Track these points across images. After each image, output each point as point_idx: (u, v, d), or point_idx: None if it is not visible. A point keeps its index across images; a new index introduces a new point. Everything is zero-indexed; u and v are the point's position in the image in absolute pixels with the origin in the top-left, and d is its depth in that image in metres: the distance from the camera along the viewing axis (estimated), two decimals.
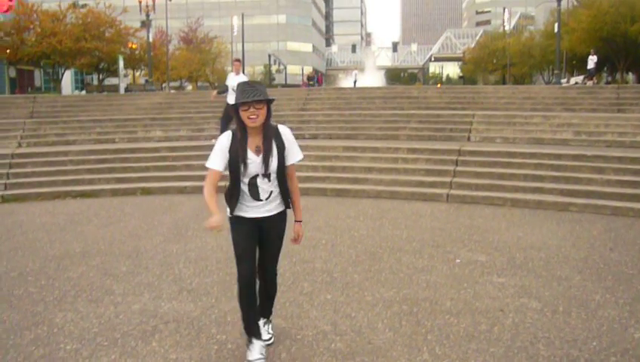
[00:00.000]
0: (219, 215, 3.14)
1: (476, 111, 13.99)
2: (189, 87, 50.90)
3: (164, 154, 11.69)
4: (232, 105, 3.24)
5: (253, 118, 3.17)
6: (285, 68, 65.00)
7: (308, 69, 77.20)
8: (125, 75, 39.76)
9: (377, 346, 3.73)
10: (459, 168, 9.99)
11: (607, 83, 32.07)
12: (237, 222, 3.38)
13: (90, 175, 10.63)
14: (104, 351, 3.69)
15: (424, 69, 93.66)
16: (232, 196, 3.33)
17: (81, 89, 48.64)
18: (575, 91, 17.65)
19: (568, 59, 37.97)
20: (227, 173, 3.35)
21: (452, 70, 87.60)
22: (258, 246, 3.45)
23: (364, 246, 6.27)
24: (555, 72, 31.27)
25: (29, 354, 3.67)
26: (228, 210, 3.38)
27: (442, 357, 3.56)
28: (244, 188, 3.30)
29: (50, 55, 33.04)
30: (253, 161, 3.24)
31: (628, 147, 10.96)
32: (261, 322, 3.61)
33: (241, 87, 3.18)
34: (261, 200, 3.33)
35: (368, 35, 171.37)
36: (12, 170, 10.63)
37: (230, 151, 3.25)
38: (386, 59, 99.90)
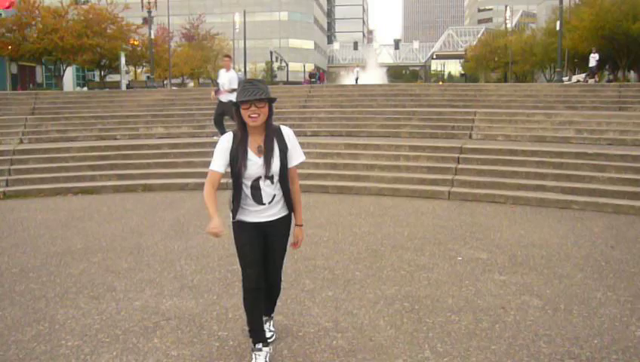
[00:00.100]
0: (218, 219, 3.10)
1: (478, 109, 13.97)
2: (191, 84, 50.93)
3: (165, 151, 11.69)
4: (233, 103, 3.17)
5: (254, 116, 3.07)
6: (287, 65, 64.95)
7: (310, 67, 77.10)
8: (127, 72, 39.74)
9: (379, 343, 3.73)
10: (460, 166, 9.98)
11: (609, 81, 31.95)
12: (239, 228, 3.29)
13: (91, 171, 10.64)
14: (105, 347, 3.70)
15: (426, 67, 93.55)
16: (234, 199, 3.26)
17: (83, 85, 48.62)
18: (577, 89, 17.64)
19: (570, 57, 37.90)
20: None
21: (454, 68, 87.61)
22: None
23: (366, 243, 6.27)
24: (557, 69, 31.23)
25: (30, 350, 3.67)
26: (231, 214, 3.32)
27: (444, 355, 3.56)
28: (247, 191, 3.21)
29: (52, 51, 33.07)
30: (255, 163, 3.15)
31: (629, 145, 10.95)
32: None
33: (243, 85, 3.10)
34: (264, 204, 3.24)
35: (370, 32, 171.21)
36: (14, 167, 10.63)
37: (231, 152, 3.17)
38: (388, 57, 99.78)
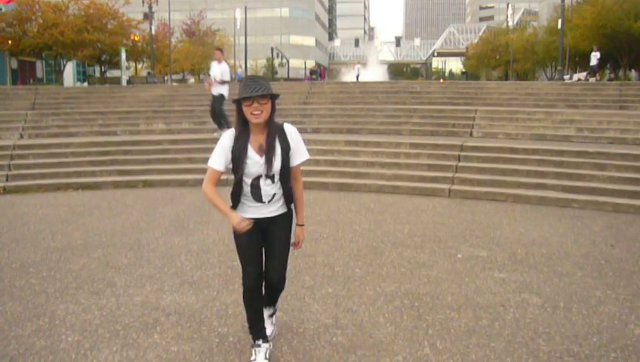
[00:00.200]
0: (235, 213, 3.10)
1: (479, 107, 13.97)
2: (192, 80, 50.85)
3: (166, 147, 11.70)
4: (235, 100, 3.08)
5: (256, 113, 2.99)
6: (288, 62, 64.91)
7: (311, 63, 77.11)
8: (127, 68, 39.69)
9: (378, 340, 3.73)
10: (461, 163, 9.98)
11: (610, 80, 31.91)
12: None
13: (91, 167, 10.63)
14: (105, 342, 3.70)
15: (427, 64, 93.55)
16: (234, 196, 3.22)
17: (83, 81, 48.63)
18: (578, 88, 17.63)
19: (571, 55, 37.88)
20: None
21: (455, 65, 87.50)
22: (264, 250, 3.32)
23: (366, 240, 6.27)
24: (558, 68, 31.20)
25: (30, 345, 3.68)
26: None
27: (443, 352, 3.57)
28: (247, 188, 3.17)
29: (52, 46, 32.98)
30: (256, 161, 3.09)
31: (630, 144, 10.95)
32: (266, 314, 3.55)
33: (244, 82, 3.04)
34: (263, 203, 3.20)
35: (371, 29, 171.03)
36: (14, 162, 10.64)
37: (233, 150, 3.10)
38: (389, 54, 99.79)
